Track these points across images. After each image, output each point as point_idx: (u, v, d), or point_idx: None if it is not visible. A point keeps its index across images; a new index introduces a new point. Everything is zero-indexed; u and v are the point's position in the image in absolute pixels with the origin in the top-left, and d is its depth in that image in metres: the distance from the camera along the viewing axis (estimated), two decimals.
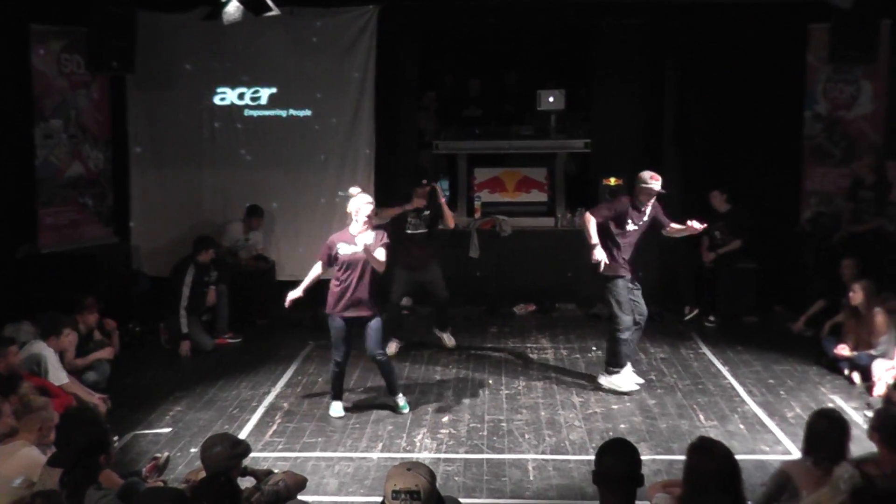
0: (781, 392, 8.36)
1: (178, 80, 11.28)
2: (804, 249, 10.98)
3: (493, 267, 11.55)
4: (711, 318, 10.82)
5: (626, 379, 8.37)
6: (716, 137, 11.44)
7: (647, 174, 8.02)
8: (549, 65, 13.79)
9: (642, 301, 8.36)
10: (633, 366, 8.58)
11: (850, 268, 9.31)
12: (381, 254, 7.50)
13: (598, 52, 12.22)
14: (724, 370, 9.01)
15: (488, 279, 11.54)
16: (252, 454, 5.36)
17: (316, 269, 7.77)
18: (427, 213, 9.38)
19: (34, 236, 10.32)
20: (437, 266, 9.60)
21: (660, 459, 6.76)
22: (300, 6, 10.69)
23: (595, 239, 8.00)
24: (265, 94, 11.38)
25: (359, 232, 7.53)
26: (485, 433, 7.42)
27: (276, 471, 5.36)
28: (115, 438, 6.75)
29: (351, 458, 6.91)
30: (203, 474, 4.78)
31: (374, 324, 7.64)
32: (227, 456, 4.79)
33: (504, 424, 7.62)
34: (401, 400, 7.92)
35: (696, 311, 10.94)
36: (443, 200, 9.64)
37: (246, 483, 5.04)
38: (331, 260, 7.64)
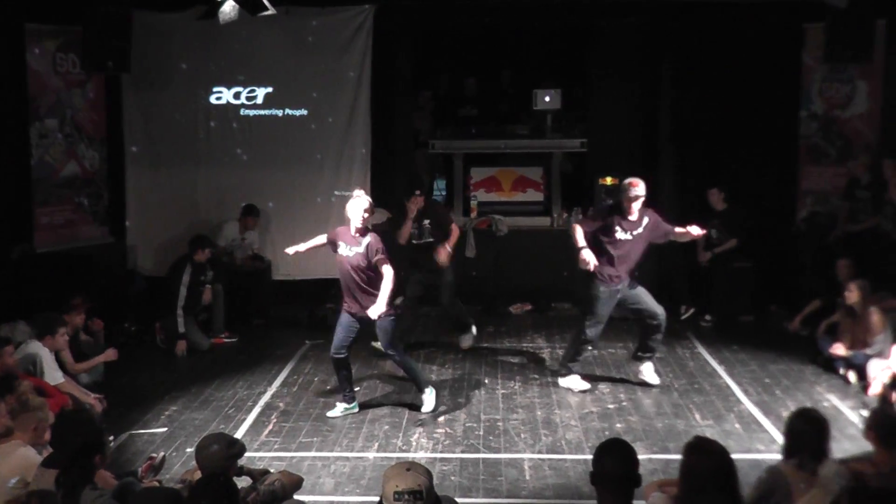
0: (777, 391, 8.37)
1: (174, 79, 11.27)
2: (800, 249, 10.99)
3: (490, 266, 11.55)
4: (707, 318, 10.82)
5: (573, 382, 8.45)
6: (712, 137, 11.44)
7: (626, 181, 8.05)
8: (546, 64, 13.79)
9: (648, 303, 8.28)
10: (655, 363, 8.64)
11: (845, 267, 9.32)
12: (387, 276, 7.43)
13: (594, 51, 12.22)
14: (720, 369, 9.02)
15: (484, 279, 11.53)
16: (248, 454, 5.36)
17: (320, 239, 7.82)
18: (427, 222, 9.34)
19: (30, 236, 10.31)
20: (449, 272, 9.49)
21: (656, 459, 6.76)
22: (296, 6, 10.69)
23: (581, 242, 8.01)
24: (261, 93, 11.37)
25: (355, 233, 7.53)
26: (481, 433, 7.42)
27: (272, 470, 5.36)
28: (111, 438, 6.74)
29: (347, 458, 6.90)
30: (198, 474, 4.77)
31: (382, 324, 7.61)
32: (222, 456, 4.79)
33: (500, 424, 7.62)
34: (425, 396, 7.88)
35: (692, 311, 10.94)
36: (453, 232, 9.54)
37: (242, 483, 5.03)
38: (333, 247, 7.66)
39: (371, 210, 7.61)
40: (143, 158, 11.38)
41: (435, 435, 7.37)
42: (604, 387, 8.52)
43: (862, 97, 10.98)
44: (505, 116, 13.23)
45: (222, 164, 11.39)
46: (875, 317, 8.44)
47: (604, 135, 11.91)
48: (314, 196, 11.45)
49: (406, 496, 3.64)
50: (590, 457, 4.04)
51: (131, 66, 10.41)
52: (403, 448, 7.12)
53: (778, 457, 6.54)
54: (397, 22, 11.42)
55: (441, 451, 7.04)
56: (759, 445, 7.07)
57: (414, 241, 9.30)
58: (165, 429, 7.55)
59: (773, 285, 11.03)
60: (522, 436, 7.35)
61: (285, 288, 11.43)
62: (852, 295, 8.63)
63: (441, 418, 7.74)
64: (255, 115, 11.40)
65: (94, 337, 8.88)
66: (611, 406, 8.03)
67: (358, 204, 7.53)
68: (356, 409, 7.89)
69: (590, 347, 8.39)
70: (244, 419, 7.77)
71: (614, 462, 3.95)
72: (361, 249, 7.47)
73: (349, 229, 7.58)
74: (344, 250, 7.54)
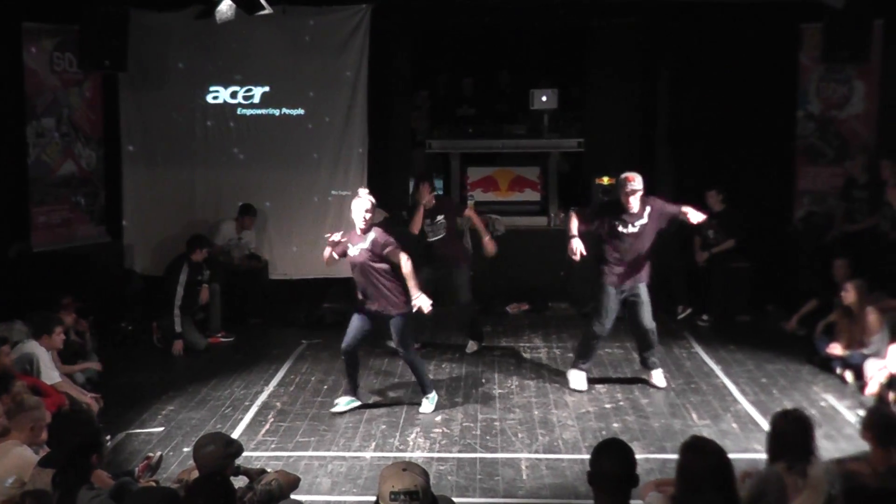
0: (774, 391, 8.37)
1: (171, 78, 11.25)
2: (797, 249, 11.00)
3: (486, 266, 11.53)
4: (704, 318, 10.83)
5: (577, 378, 8.44)
6: (709, 137, 11.45)
7: (623, 176, 8.05)
8: (543, 64, 13.81)
9: (643, 316, 8.25)
10: (664, 367, 8.69)
11: (842, 267, 9.32)
12: (405, 264, 7.43)
13: (591, 51, 12.23)
14: (717, 369, 9.02)
15: (481, 278, 11.51)
16: (245, 453, 5.35)
17: (337, 235, 7.65)
18: (441, 218, 9.35)
19: (26, 235, 10.31)
20: (465, 270, 9.48)
21: (653, 458, 6.76)
22: (293, 5, 10.67)
23: (573, 231, 8.05)
24: (258, 92, 11.35)
25: (361, 233, 7.52)
26: (478, 432, 7.42)
27: (268, 470, 5.35)
28: (108, 438, 6.73)
29: (344, 458, 6.90)
30: (195, 474, 4.77)
31: (395, 321, 7.62)
32: (219, 455, 4.78)
33: (497, 423, 7.61)
34: (426, 399, 7.88)
35: (688, 311, 10.94)
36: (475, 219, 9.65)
37: (239, 482, 5.03)
38: (344, 250, 7.59)
39: (373, 210, 7.60)
40: (140, 158, 11.36)
41: (432, 434, 7.37)
42: (601, 387, 8.51)
43: (859, 97, 10.99)
44: (502, 116, 13.23)
45: (219, 163, 11.38)
46: (872, 317, 8.44)
47: (601, 135, 11.92)
48: (311, 196, 11.44)
49: (402, 496, 3.63)
50: (587, 456, 4.04)
51: (128, 65, 10.40)
52: (400, 448, 7.11)
53: None
54: (394, 21, 11.42)
55: (438, 451, 7.03)
56: (756, 445, 7.04)
57: (429, 240, 9.26)
58: (162, 428, 7.54)
59: (771, 285, 11.04)
60: (519, 435, 7.35)
61: (282, 287, 11.43)
62: (849, 295, 8.64)
63: (438, 418, 7.74)
64: (251, 115, 11.39)
65: (82, 337, 8.87)
66: (608, 406, 8.03)
67: (359, 204, 7.52)
68: (358, 403, 7.91)
69: (599, 343, 8.35)
70: (241, 419, 7.76)
71: (611, 462, 3.94)
72: (366, 245, 7.47)
73: (353, 231, 7.60)
74: (352, 251, 7.54)
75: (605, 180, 11.52)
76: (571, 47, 12.92)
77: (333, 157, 11.37)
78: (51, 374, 7.44)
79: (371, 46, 11.14)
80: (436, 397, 7.95)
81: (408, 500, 3.63)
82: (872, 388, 7.93)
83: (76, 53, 10.30)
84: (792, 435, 4.79)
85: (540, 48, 13.92)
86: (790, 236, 11.20)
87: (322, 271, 11.33)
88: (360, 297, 7.69)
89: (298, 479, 5.34)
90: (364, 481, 6.44)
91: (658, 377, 8.49)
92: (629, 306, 8.31)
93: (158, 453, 6.18)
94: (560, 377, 8.79)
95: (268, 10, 9.11)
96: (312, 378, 8.86)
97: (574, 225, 8.09)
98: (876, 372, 8.03)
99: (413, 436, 7.35)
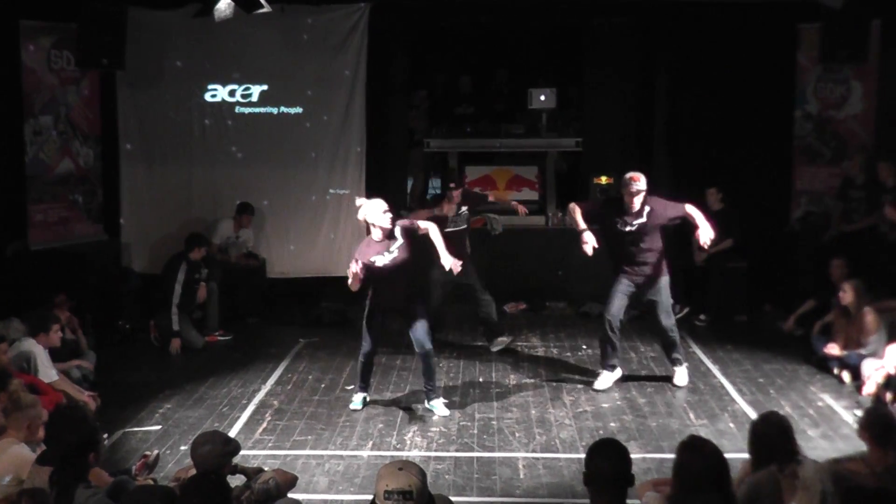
0: (771, 391, 8.38)
1: (169, 76, 11.25)
2: (794, 249, 11.00)
3: (484, 265, 11.53)
4: (702, 317, 10.84)
5: (601, 379, 8.45)
6: (706, 136, 11.45)
7: (627, 175, 8.05)
8: (541, 63, 13.80)
9: (659, 315, 8.30)
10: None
11: (839, 267, 9.33)
12: (433, 232, 7.47)
13: (589, 50, 12.23)
14: (715, 369, 9.03)
15: (479, 277, 11.51)
16: (242, 452, 5.35)
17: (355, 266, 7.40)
18: (465, 209, 9.35)
19: (24, 233, 10.28)
20: (473, 266, 9.46)
21: (650, 458, 6.76)
22: (292, 3, 10.68)
23: (582, 225, 8.07)
24: (256, 91, 11.36)
25: (382, 238, 7.44)
26: (475, 431, 7.42)
27: (266, 468, 5.35)
28: (105, 436, 6.72)
29: (341, 456, 6.90)
30: (193, 472, 4.76)
31: (418, 322, 7.62)
32: (217, 454, 4.78)
33: (494, 423, 7.61)
34: (435, 402, 7.84)
35: (686, 310, 10.94)
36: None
37: (236, 481, 5.03)
38: (367, 269, 7.40)
39: (389, 206, 7.53)
40: (138, 156, 11.35)
41: (429, 434, 7.37)
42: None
43: (857, 98, 11.00)
44: (500, 115, 13.22)
45: (217, 161, 11.37)
46: (869, 317, 8.45)
47: (599, 134, 11.93)
48: (309, 194, 11.44)
49: (396, 496, 3.62)
50: (584, 456, 4.03)
51: (126, 63, 10.41)
52: (398, 447, 7.11)
53: None
54: (393, 20, 11.41)
55: (435, 450, 7.03)
56: None
57: (448, 229, 9.04)
58: (159, 427, 7.54)
59: (768, 285, 11.04)
60: (517, 434, 7.35)
61: (280, 286, 11.43)
62: (846, 295, 8.64)
63: (435, 417, 7.73)
64: (249, 113, 11.39)
65: (75, 334, 8.86)
66: (605, 405, 8.03)
67: (375, 206, 7.43)
68: (367, 400, 7.99)
69: (614, 334, 8.35)
70: (238, 417, 7.76)
71: (607, 462, 3.92)
72: (400, 242, 7.42)
73: (371, 240, 7.49)
74: (381, 260, 7.41)
75: (604, 180, 11.53)
76: (570, 47, 12.92)
77: (331, 155, 11.37)
78: (48, 372, 7.44)
79: (369, 45, 11.15)
80: (441, 402, 7.94)
81: (401, 499, 3.62)
82: (870, 388, 7.94)
83: (74, 51, 10.27)
84: (772, 438, 4.79)
85: (538, 47, 13.92)
86: (787, 236, 11.21)
87: (320, 270, 11.39)
88: (384, 300, 7.63)
89: (296, 478, 5.33)
90: (361, 480, 6.44)
91: (678, 376, 8.51)
92: (649, 307, 8.42)
93: (156, 451, 6.16)
94: (558, 376, 8.79)
95: (266, 9, 9.10)
96: (310, 377, 8.86)
97: (580, 217, 8.12)
98: (873, 372, 8.03)
99: (410, 434, 7.35)
